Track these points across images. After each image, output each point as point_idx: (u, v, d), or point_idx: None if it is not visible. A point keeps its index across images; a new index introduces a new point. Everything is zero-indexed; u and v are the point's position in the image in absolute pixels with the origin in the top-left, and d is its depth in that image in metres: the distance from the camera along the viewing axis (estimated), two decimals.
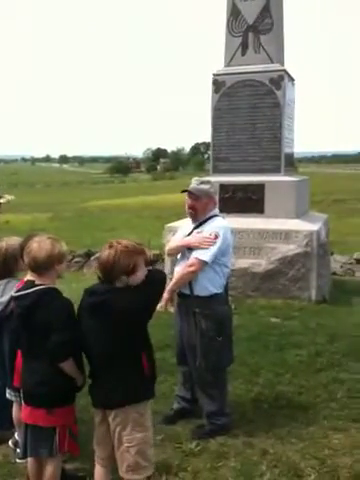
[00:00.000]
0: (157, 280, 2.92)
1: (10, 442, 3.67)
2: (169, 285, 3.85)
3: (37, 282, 2.91)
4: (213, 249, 3.66)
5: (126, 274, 2.75)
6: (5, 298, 3.38)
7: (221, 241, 3.69)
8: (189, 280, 3.73)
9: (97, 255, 8.35)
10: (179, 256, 3.94)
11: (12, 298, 3.06)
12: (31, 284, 2.91)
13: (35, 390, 2.89)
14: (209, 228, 3.76)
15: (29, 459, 3.06)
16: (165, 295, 3.77)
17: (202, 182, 3.89)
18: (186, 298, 3.80)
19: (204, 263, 3.66)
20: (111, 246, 2.77)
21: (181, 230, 4.09)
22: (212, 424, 3.84)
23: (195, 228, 3.87)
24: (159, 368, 4.43)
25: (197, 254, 3.68)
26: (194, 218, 3.88)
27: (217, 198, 4.10)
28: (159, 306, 3.66)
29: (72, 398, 3.00)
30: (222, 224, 3.81)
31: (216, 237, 3.67)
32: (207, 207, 3.82)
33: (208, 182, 3.91)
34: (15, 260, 3.51)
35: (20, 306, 2.88)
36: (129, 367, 2.78)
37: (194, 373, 3.87)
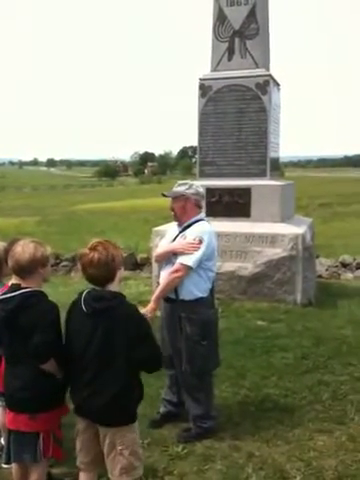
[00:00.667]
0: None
1: None
2: (155, 292, 3.86)
3: (23, 286, 2.91)
4: (197, 254, 3.68)
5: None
6: None
7: (205, 246, 3.71)
8: (175, 286, 3.75)
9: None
10: (165, 261, 3.96)
11: None
12: (16, 287, 2.91)
13: (18, 395, 2.87)
14: (193, 233, 3.78)
15: (13, 464, 3.05)
16: (152, 304, 3.78)
17: (180, 184, 3.90)
18: (172, 302, 3.82)
19: (189, 268, 3.68)
20: (95, 248, 2.74)
21: (168, 235, 4.11)
22: (198, 427, 3.86)
23: (180, 232, 3.89)
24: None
25: (182, 259, 3.71)
26: (177, 220, 3.91)
27: (203, 201, 4.09)
28: (145, 310, 3.67)
29: (56, 403, 2.98)
30: (206, 229, 3.83)
31: (200, 242, 3.69)
32: (185, 208, 3.83)
33: (186, 184, 3.90)
34: (0, 264, 3.50)
35: (4, 309, 2.86)
36: (124, 382, 2.72)
37: (180, 377, 3.89)
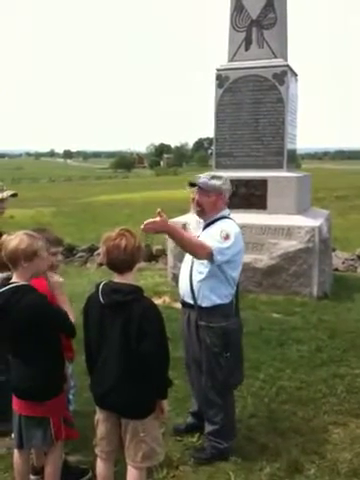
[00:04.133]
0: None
1: (13, 435, 3.69)
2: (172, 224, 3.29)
3: (13, 280, 2.83)
4: (226, 244, 3.23)
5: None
6: None
7: (233, 242, 3.27)
8: (190, 251, 3.31)
9: (99, 251, 8.33)
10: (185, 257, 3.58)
11: None
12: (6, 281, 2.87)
13: (21, 385, 2.88)
14: (218, 228, 3.33)
15: (15, 452, 3.04)
16: (159, 220, 3.22)
17: (213, 177, 3.45)
18: (190, 308, 3.49)
19: (210, 254, 3.22)
20: (123, 234, 2.73)
21: (193, 223, 3.65)
22: (213, 448, 3.50)
23: (203, 229, 3.48)
24: None
25: (211, 243, 3.22)
26: (201, 215, 3.47)
27: (227, 196, 3.51)
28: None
29: (60, 389, 2.98)
30: (233, 229, 3.36)
31: (227, 237, 3.26)
32: (216, 205, 3.41)
33: (220, 178, 3.46)
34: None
35: None
36: (146, 378, 2.72)
37: (198, 390, 3.66)
